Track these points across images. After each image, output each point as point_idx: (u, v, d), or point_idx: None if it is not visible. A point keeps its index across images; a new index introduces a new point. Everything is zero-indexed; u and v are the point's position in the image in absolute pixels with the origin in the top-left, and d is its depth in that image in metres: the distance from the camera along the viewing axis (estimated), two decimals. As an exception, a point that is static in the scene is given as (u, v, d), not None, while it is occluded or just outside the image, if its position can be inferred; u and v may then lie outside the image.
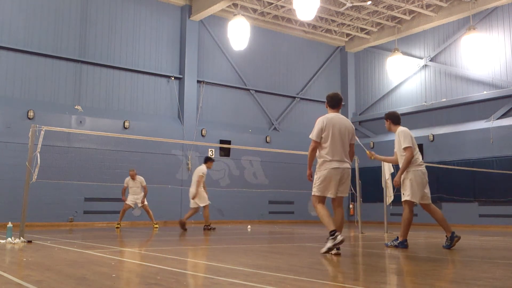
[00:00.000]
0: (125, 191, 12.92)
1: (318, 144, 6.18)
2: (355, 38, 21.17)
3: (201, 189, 11.98)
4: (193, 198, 11.89)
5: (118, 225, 12.73)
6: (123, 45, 16.32)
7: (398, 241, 7.15)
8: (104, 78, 15.86)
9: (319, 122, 6.20)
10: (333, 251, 5.90)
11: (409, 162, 7.03)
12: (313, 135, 6.18)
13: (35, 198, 12.17)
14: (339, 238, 5.83)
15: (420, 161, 7.17)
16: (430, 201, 7.18)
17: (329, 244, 5.91)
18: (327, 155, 6.10)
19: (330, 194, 6.14)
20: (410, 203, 7.05)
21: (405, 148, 7.04)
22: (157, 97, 16.86)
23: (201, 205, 12.00)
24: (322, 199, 6.21)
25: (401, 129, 7.25)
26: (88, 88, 15.53)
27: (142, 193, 12.79)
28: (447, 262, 5.67)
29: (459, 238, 7.03)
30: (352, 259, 5.85)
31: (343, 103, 6.84)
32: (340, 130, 6.16)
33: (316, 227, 14.14)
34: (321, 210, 6.13)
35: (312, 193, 6.25)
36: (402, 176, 7.13)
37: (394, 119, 7.42)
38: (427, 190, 7.15)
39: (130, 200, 12.76)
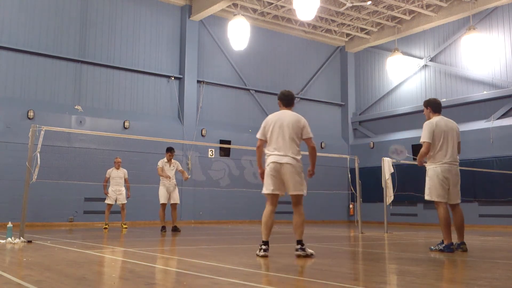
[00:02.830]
0: (107, 182, 12.62)
1: (262, 142, 6.15)
2: (355, 38, 21.17)
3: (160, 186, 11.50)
4: None
5: (106, 225, 12.32)
6: (123, 45, 16.31)
7: (443, 245, 6.60)
8: (104, 78, 15.86)
9: (264, 121, 6.21)
10: (297, 252, 5.82)
11: (422, 157, 6.73)
12: (257, 134, 6.19)
13: (35, 198, 12.16)
14: (262, 253, 5.72)
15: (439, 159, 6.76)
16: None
17: (257, 251, 5.83)
18: (267, 150, 6.08)
19: (271, 191, 5.94)
20: (435, 203, 6.71)
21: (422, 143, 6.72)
22: (157, 97, 16.85)
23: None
24: (270, 198, 5.98)
25: (428, 121, 6.79)
26: (88, 88, 15.53)
27: (124, 187, 12.59)
28: (447, 262, 5.67)
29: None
30: (352, 259, 5.84)
31: (295, 100, 6.67)
32: (281, 125, 6.03)
33: (316, 227, 14.12)
34: (264, 214, 5.95)
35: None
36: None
37: (435, 106, 6.88)
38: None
39: (111, 193, 12.46)
